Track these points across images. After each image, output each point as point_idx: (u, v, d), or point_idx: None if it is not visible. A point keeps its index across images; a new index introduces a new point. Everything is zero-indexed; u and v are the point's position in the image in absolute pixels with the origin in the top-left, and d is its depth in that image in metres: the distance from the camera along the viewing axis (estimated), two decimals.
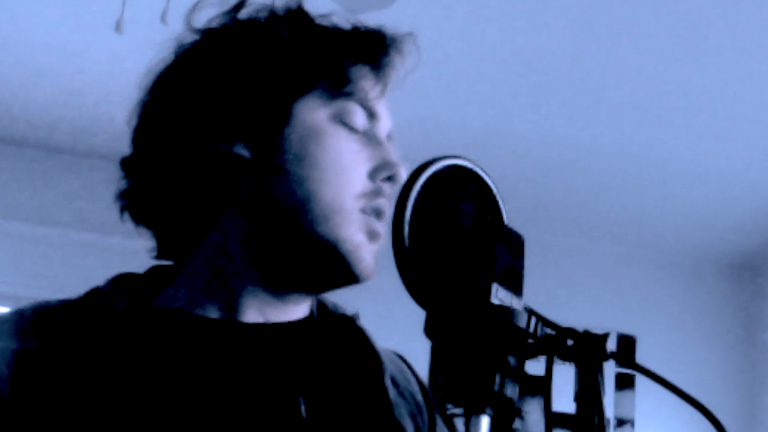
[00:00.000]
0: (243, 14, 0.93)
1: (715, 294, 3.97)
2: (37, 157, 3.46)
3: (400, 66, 0.94)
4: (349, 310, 0.97)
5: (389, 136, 0.95)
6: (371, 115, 0.92)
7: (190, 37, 0.92)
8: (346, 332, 0.94)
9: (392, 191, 0.90)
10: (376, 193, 0.89)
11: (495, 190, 0.81)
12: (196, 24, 0.93)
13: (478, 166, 0.81)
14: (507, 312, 0.72)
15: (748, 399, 3.77)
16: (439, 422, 0.96)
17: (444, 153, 0.80)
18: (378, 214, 0.90)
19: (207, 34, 0.92)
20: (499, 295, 0.72)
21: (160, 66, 0.92)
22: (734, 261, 3.97)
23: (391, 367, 0.94)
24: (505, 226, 0.78)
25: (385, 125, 0.94)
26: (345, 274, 0.89)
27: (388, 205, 0.90)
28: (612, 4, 2.49)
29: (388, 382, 0.90)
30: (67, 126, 3.34)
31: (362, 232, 0.88)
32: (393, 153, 0.92)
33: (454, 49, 2.73)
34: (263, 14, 0.93)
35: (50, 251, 3.34)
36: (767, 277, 3.88)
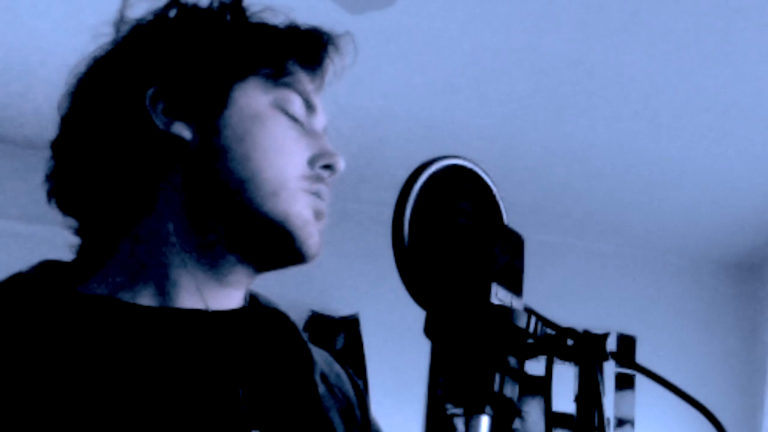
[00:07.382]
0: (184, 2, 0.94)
1: (715, 294, 3.96)
2: (39, 157, 3.46)
3: (337, 63, 0.97)
4: (282, 306, 0.97)
5: (324, 131, 0.97)
6: (309, 107, 0.94)
7: (128, 24, 0.93)
8: (279, 326, 0.94)
9: (331, 180, 0.92)
10: (317, 178, 0.91)
11: (495, 190, 0.81)
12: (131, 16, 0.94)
13: (477, 166, 0.81)
14: (507, 312, 0.71)
15: (748, 399, 3.77)
16: (373, 421, 0.98)
17: (444, 153, 0.80)
18: (319, 196, 0.91)
19: (148, 19, 0.93)
20: (499, 295, 0.72)
21: (98, 51, 0.93)
22: (734, 261, 3.96)
23: (321, 363, 0.95)
24: (505, 226, 0.78)
25: (321, 119, 0.96)
26: (291, 251, 0.89)
27: (327, 192, 0.92)
28: (612, 5, 2.49)
29: (317, 378, 0.92)
30: None
31: (309, 209, 0.89)
32: (330, 145, 0.94)
33: (454, 50, 2.72)
34: (204, 2, 0.94)
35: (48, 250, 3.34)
36: (767, 277, 3.88)
